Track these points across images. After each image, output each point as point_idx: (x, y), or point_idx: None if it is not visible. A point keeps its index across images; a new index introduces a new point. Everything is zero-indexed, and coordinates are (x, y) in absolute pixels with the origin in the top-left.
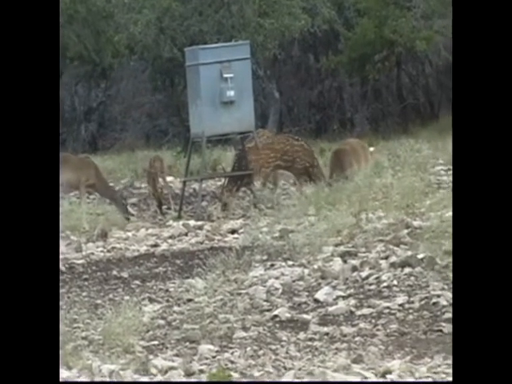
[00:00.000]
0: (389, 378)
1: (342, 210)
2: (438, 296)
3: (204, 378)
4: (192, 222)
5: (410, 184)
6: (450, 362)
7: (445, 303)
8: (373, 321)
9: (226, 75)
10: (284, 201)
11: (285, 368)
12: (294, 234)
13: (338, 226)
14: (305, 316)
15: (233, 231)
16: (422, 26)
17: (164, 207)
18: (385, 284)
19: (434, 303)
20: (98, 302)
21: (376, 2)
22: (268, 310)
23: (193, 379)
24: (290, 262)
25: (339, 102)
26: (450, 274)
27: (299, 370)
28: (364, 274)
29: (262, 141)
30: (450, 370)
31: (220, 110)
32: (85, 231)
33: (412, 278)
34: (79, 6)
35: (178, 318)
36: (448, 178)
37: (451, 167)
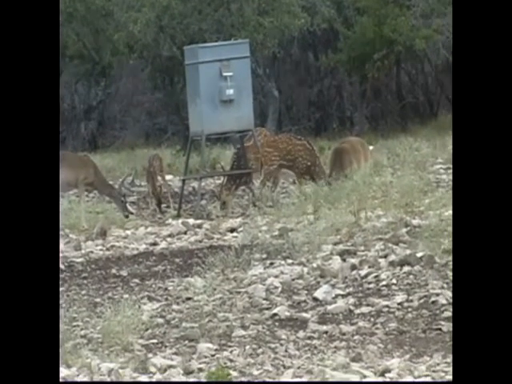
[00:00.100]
0: (388, 376)
1: (342, 209)
2: (437, 294)
3: (203, 376)
4: (191, 221)
5: (409, 183)
6: (448, 360)
7: (444, 302)
8: (372, 319)
9: (225, 74)
10: (283, 199)
11: (284, 366)
12: (293, 232)
13: (338, 225)
14: (304, 314)
15: (232, 230)
16: (421, 24)
17: (163, 206)
18: (384, 282)
19: (433, 302)
20: (97, 300)
21: (375, 1)
22: (267, 309)
23: (192, 378)
24: (290, 261)
25: (338, 100)
26: (449, 273)
27: (298, 368)
28: (363, 273)
29: (260, 139)
30: (449, 369)
31: (219, 108)
32: (84, 229)
33: (411, 276)
34: (79, 5)
35: (177, 317)
36: (447, 177)
37: (450, 166)
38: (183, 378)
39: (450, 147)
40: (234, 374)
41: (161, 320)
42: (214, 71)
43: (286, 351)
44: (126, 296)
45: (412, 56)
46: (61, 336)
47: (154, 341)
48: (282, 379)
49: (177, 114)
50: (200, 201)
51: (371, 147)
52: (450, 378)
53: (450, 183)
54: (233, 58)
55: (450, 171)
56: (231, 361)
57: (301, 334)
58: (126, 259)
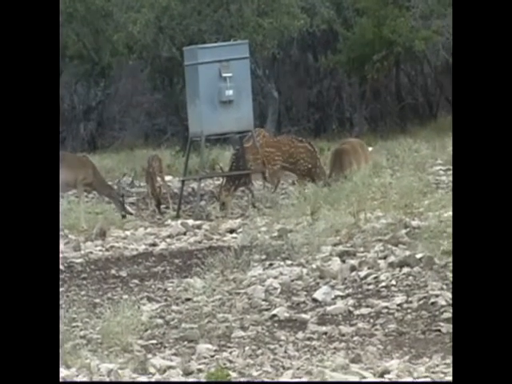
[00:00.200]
0: (387, 377)
1: (341, 210)
2: (437, 296)
3: (202, 377)
4: (190, 222)
5: (408, 184)
6: (448, 361)
7: (443, 303)
8: (371, 320)
9: (224, 74)
10: (283, 200)
11: (283, 367)
12: (292, 233)
13: (337, 226)
14: (303, 315)
15: (231, 231)
16: (420, 25)
17: (162, 206)
18: (383, 284)
19: (433, 303)
20: (97, 301)
21: (375, 2)
22: (266, 310)
23: (191, 378)
24: (289, 262)
25: (338, 101)
26: (449, 274)
27: (297, 369)
28: (362, 274)
29: (259, 140)
30: (449, 370)
31: (219, 109)
32: (83, 230)
33: (410, 277)
34: (78, 5)
35: (176, 318)
36: (446, 178)
37: (450, 167)
38: (182, 379)
39: (450, 148)
40: (234, 374)
41: (160, 321)
42: (213, 72)
43: (285, 352)
44: (125, 297)
45: (411, 57)
46: (60, 336)
47: (154, 341)
48: (281, 380)
49: (176, 115)
50: (199, 202)
51: (370, 148)
52: (449, 379)
53: (450, 184)
54: (232, 59)
55: (450, 172)
56: (230, 362)
57: (300, 334)
58: (126, 260)
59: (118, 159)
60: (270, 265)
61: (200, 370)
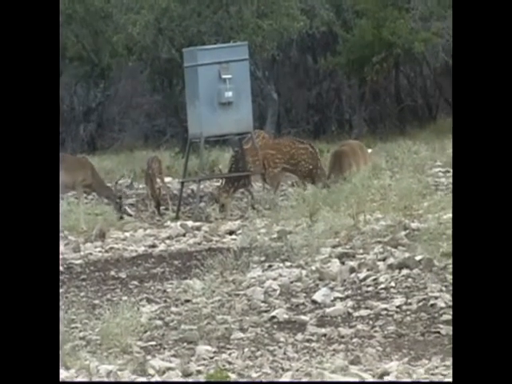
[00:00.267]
0: (386, 379)
1: (340, 212)
2: (436, 298)
3: (201, 378)
4: (190, 223)
5: (407, 186)
6: (447, 363)
7: (442, 305)
8: (370, 322)
9: (224, 76)
10: (282, 202)
11: (282, 369)
12: (291, 235)
13: (336, 228)
14: (302, 317)
15: (231, 232)
16: (420, 27)
17: (162, 208)
18: (382, 285)
19: (432, 305)
20: (96, 302)
21: (374, 4)
22: (266, 311)
23: (190, 380)
24: (288, 263)
25: (337, 103)
26: (448, 276)
27: (297, 371)
28: (362, 276)
29: (258, 141)
30: (448, 372)
31: (218, 110)
32: (83, 231)
33: (410, 279)
34: (78, 6)
35: (175, 319)
36: (446, 180)
37: (449, 169)
38: (182, 380)
39: (449, 150)
40: (233, 376)
41: (159, 322)
42: (212, 73)
43: (284, 354)
44: (124, 298)
45: (411, 59)
46: (60, 338)
47: (153, 343)
48: (281, 381)
49: (176, 116)
50: (199, 203)
51: (370, 150)
52: (448, 380)
53: (449, 186)
54: (232, 61)
55: (449, 174)
56: (230, 363)
57: (299, 336)
58: (125, 261)
59: (118, 160)
60: (270, 266)
61: (199, 372)
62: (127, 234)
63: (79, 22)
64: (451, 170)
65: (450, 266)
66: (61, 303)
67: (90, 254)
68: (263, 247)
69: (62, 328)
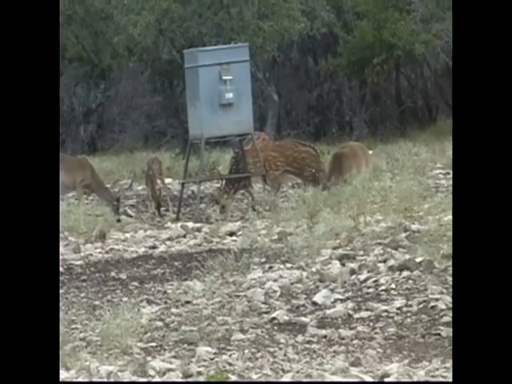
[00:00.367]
0: (387, 381)
1: (341, 213)
2: (436, 300)
3: (202, 379)
4: (190, 224)
5: (408, 187)
6: (448, 365)
7: (443, 307)
8: (371, 324)
9: (224, 77)
10: (282, 203)
11: (283, 370)
12: (292, 236)
13: (337, 229)
14: (303, 319)
15: (231, 233)
16: (420, 29)
17: (162, 209)
18: (383, 287)
19: (432, 307)
20: (96, 303)
21: (375, 6)
22: (266, 313)
23: (190, 380)
24: (289, 265)
25: (338, 104)
26: (448, 278)
27: (297, 372)
28: (362, 277)
29: (259, 143)
30: (448, 374)
31: (219, 112)
32: (83, 232)
33: (410, 281)
34: (78, 7)
35: (176, 320)
36: (446, 182)
37: (449, 171)
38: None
39: (449, 152)
40: (233, 377)
41: (160, 323)
42: (213, 75)
43: (284, 355)
44: (125, 299)
45: (411, 60)
46: (60, 338)
47: (153, 344)
48: (281, 381)
49: (176, 118)
50: (199, 204)
51: (370, 152)
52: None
53: (449, 188)
54: (232, 62)
55: (449, 176)
56: (230, 364)
57: (300, 338)
58: (125, 262)
59: (118, 161)
60: (270, 268)
61: (199, 373)
62: (127, 235)
63: (79, 23)
64: (451, 172)
65: (451, 267)
66: (61, 304)
67: (91, 254)
68: (263, 248)
69: (62, 329)
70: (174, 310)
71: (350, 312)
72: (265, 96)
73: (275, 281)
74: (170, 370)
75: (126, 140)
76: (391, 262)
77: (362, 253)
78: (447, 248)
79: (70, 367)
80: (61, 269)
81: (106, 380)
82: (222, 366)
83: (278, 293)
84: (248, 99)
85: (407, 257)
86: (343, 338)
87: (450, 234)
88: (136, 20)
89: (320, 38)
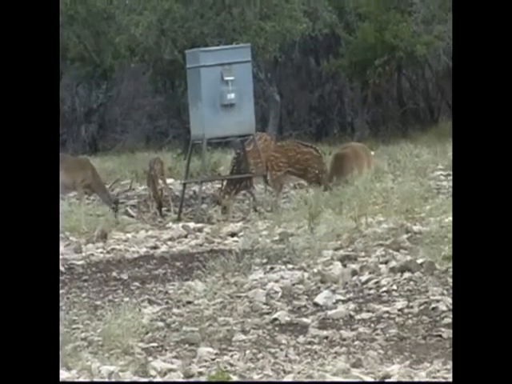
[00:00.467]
0: (388, 381)
1: (342, 214)
2: (438, 301)
3: (203, 380)
4: (192, 225)
5: (409, 189)
6: (449, 366)
7: (444, 308)
8: (372, 325)
9: (226, 78)
10: (284, 204)
11: (284, 371)
12: (293, 237)
13: (338, 230)
14: (304, 319)
15: (233, 234)
16: (422, 30)
17: (164, 209)
18: (384, 288)
19: (434, 308)
20: (98, 303)
21: (377, 7)
22: (267, 313)
23: (192, 381)
24: (290, 266)
25: (339, 105)
26: (450, 279)
27: (298, 373)
28: (363, 279)
29: (260, 144)
30: (449, 375)
31: (220, 112)
32: (84, 232)
33: (411, 282)
34: (80, 7)
35: (177, 320)
36: (447, 183)
37: (451, 172)
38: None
39: (451, 154)
40: (234, 378)
41: (161, 323)
42: (215, 75)
43: (286, 356)
44: (126, 299)
45: (413, 62)
46: (61, 338)
47: (155, 344)
48: (282, 381)
49: (178, 118)
50: (201, 205)
51: (372, 153)
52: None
53: (451, 190)
54: (234, 63)
55: (451, 178)
56: (231, 365)
57: (301, 339)
58: (127, 262)
59: (120, 162)
60: (271, 268)
61: (201, 373)
62: (129, 235)
63: (81, 23)
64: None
65: (452, 269)
66: (62, 304)
67: (92, 254)
68: (265, 249)
69: (63, 329)
70: (175, 311)
71: (352, 313)
72: (266, 96)
73: (277, 282)
74: (171, 370)
75: (128, 140)
76: (392, 264)
77: (363, 254)
78: (448, 249)
79: (71, 367)
80: (62, 269)
81: (107, 380)
82: (223, 367)
83: (280, 294)
84: (250, 100)
85: (408, 258)
86: (344, 339)
87: (451, 235)
88: (138, 20)
89: (322, 39)
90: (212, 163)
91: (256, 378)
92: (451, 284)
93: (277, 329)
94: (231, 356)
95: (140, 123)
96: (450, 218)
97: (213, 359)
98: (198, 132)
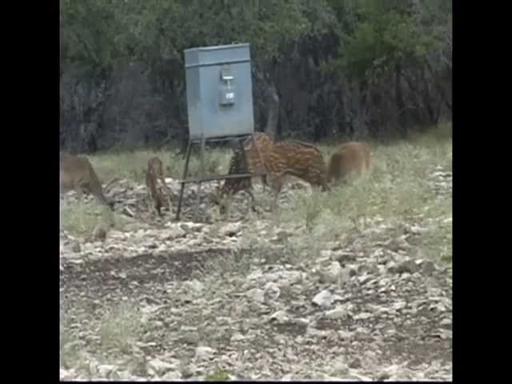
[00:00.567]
0: (386, 381)
1: (341, 214)
2: (436, 302)
3: (201, 379)
4: (190, 224)
5: (408, 189)
6: (447, 367)
7: (443, 309)
8: (370, 325)
9: (225, 77)
10: (282, 204)
11: (282, 371)
12: (292, 237)
13: (337, 230)
14: (302, 319)
15: (231, 234)
16: (421, 31)
17: (162, 208)
18: (383, 289)
19: (432, 309)
20: (96, 302)
21: (376, 7)
22: (266, 313)
23: (190, 380)
24: (288, 266)
25: (338, 106)
26: (448, 280)
27: (296, 373)
28: (362, 279)
29: (259, 143)
30: (448, 376)
31: (219, 112)
32: (83, 231)
33: (410, 283)
34: (79, 6)
35: (175, 320)
36: (446, 184)
37: (449, 173)
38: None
39: (450, 154)
40: (233, 377)
41: (159, 323)
42: (214, 75)
43: (284, 356)
44: (124, 298)
45: (412, 62)
46: (59, 337)
47: (153, 343)
48: (281, 381)
49: (176, 117)
50: (199, 204)
51: (371, 153)
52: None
53: (450, 190)
54: (233, 62)
55: (450, 178)
56: (230, 365)
57: (299, 338)
58: (125, 261)
59: (118, 161)
60: (270, 268)
61: (199, 373)
62: (127, 235)
63: (81, 22)
64: (452, 174)
65: (451, 270)
66: (61, 302)
67: (90, 253)
68: (263, 249)
69: (61, 327)
70: (173, 310)
71: (350, 313)
72: (265, 96)
73: (275, 281)
74: (169, 369)
75: (127, 139)
76: (391, 264)
77: (361, 254)
78: (447, 250)
79: (69, 366)
80: (61, 267)
81: (105, 379)
82: (221, 366)
83: (278, 293)
84: (248, 99)
85: (407, 259)
86: (343, 340)
87: (450, 236)
88: (137, 19)
89: (321, 39)
90: (210, 163)
91: (254, 377)
92: (450, 285)
93: (275, 329)
94: (229, 355)
95: (139, 122)
96: (449, 219)
97: (211, 359)
98: (196, 131)
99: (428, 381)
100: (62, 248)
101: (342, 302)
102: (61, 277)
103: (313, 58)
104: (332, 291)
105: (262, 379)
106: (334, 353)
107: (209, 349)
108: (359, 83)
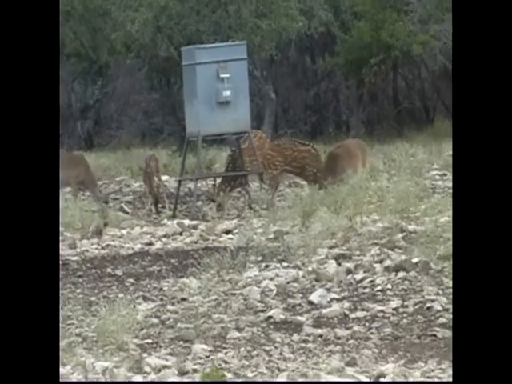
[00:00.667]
0: (382, 381)
1: (337, 213)
2: (432, 301)
3: (197, 377)
4: (187, 222)
5: (404, 188)
6: (443, 366)
7: (439, 308)
8: (367, 324)
9: (222, 75)
10: (279, 202)
11: (278, 369)
12: (288, 235)
13: (333, 229)
14: (299, 318)
15: (227, 231)
16: (418, 30)
17: (159, 206)
18: (379, 287)
19: (428, 308)
20: (92, 299)
21: (373, 6)
22: (262, 311)
23: (186, 378)
24: (285, 264)
25: (335, 104)
26: (445, 279)
27: (293, 371)
28: (358, 277)
29: (255, 141)
30: (444, 375)
31: (216, 109)
32: (79, 228)
33: (406, 282)
34: (76, 3)
35: (171, 317)
36: (443, 183)
37: (446, 172)
38: (178, 379)
39: (446, 153)
40: (229, 375)
41: (156, 320)
42: (211, 72)
43: (280, 354)
44: (121, 295)
45: (409, 61)
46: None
47: (149, 341)
48: (277, 381)
49: (173, 115)
50: (196, 202)
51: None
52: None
53: (446, 189)
54: (230, 60)
55: (446, 177)
56: (226, 362)
57: (295, 337)
58: (122, 258)
59: (115, 158)
60: (266, 266)
61: (195, 370)
62: (124, 232)
63: (78, 19)
64: (448, 173)
65: (447, 268)
66: None
67: (87, 250)
68: (260, 247)
69: None
70: (169, 307)
71: (346, 312)
72: (262, 94)
73: (271, 279)
74: (165, 366)
75: (123, 136)
76: (387, 263)
77: (358, 253)
78: (443, 249)
79: (65, 363)
80: None
81: (101, 376)
82: (217, 364)
83: (274, 291)
84: (245, 97)
85: (403, 257)
86: (339, 338)
87: (447, 235)
88: (134, 17)
89: (318, 37)
90: (207, 160)
91: (250, 375)
92: (446, 284)
93: (271, 327)
94: (225, 353)
95: (135, 120)
96: (446, 218)
97: (207, 356)
98: (193, 129)
99: (428, 381)
100: None
101: (338, 300)
102: None
103: (310, 56)
104: (328, 289)
105: (258, 377)
106: (330, 351)
107: (205, 346)
108: (356, 82)
